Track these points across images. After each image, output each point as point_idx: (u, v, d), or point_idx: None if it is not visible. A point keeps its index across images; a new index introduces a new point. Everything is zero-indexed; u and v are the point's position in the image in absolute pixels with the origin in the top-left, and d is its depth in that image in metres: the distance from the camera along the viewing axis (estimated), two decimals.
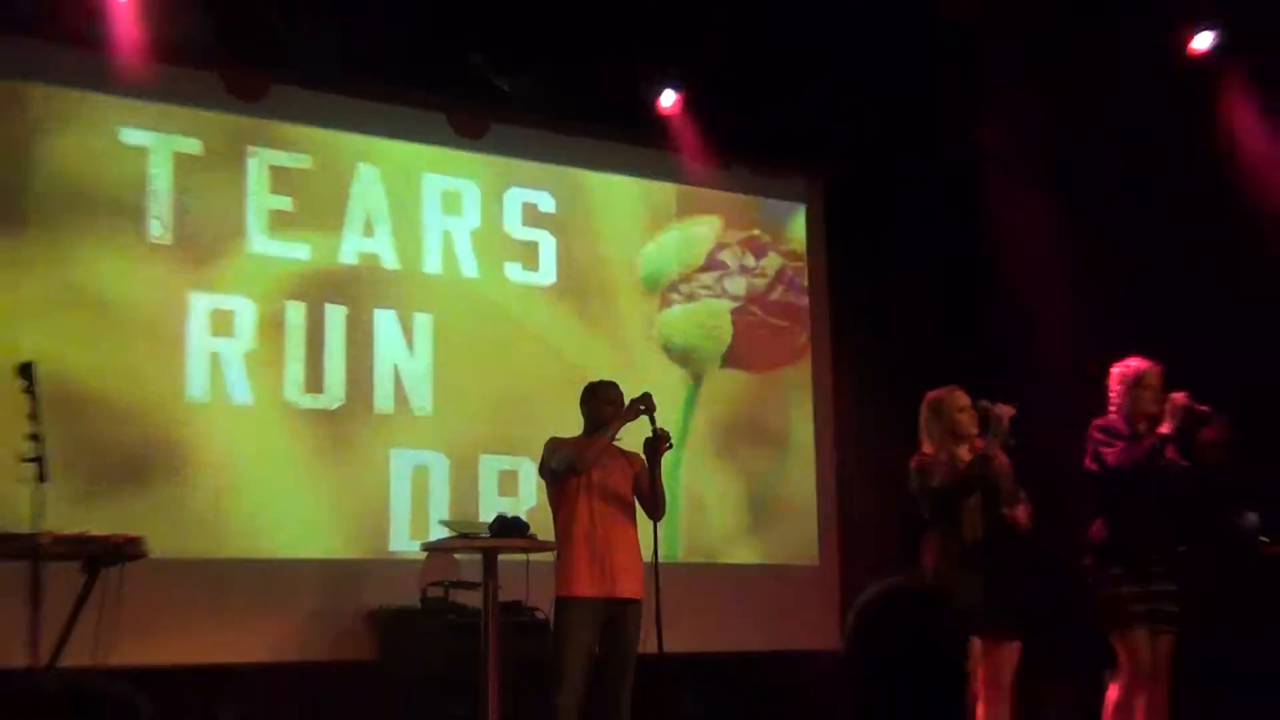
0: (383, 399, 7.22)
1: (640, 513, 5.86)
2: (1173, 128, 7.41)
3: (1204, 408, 5.59)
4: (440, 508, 7.15)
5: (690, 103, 7.68)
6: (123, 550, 4.59)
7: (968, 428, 5.60)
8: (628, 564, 5.75)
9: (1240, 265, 7.12)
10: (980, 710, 5.24)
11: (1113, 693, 5.62)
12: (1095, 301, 7.37)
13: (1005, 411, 5.57)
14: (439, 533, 6.38)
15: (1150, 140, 7.49)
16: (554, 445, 5.81)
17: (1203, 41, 7.38)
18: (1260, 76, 7.27)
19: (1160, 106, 7.47)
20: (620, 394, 5.89)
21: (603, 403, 5.84)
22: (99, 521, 4.93)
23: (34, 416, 4.45)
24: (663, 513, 5.87)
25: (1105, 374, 5.86)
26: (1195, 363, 5.80)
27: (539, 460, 5.89)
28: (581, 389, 6.00)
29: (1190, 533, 5.83)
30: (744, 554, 8.06)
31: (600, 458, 5.68)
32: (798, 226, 8.63)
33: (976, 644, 5.24)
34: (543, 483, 5.98)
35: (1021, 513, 5.65)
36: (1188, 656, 5.65)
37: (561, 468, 5.71)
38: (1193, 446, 5.61)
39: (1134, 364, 5.78)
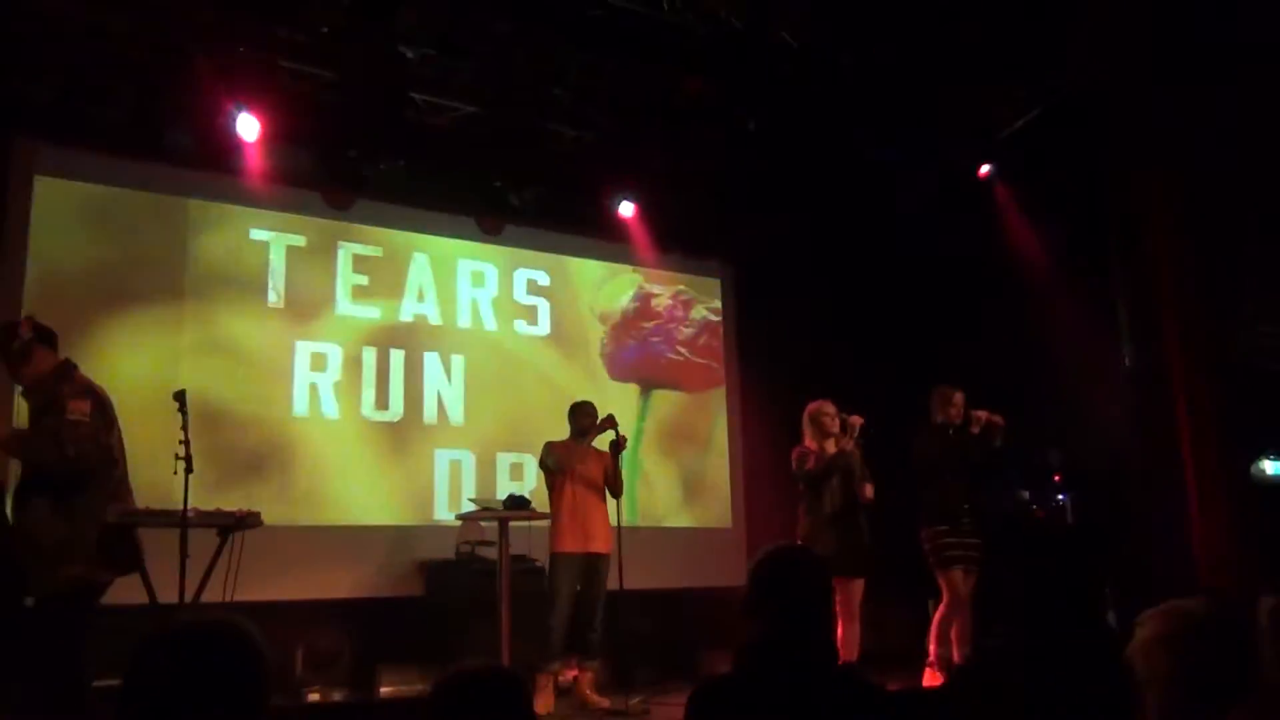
0: (429, 414, 7.15)
1: (608, 492, 5.87)
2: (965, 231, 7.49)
3: (996, 418, 5.67)
4: (469, 489, 7.08)
5: (642, 212, 7.68)
6: (245, 520, 4.53)
7: (831, 428, 5.64)
8: (599, 529, 5.77)
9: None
10: (840, 630, 5.23)
11: (937, 616, 5.63)
12: (912, 344, 7.41)
13: (856, 420, 5.61)
14: (468, 507, 6.34)
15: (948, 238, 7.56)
16: (549, 448, 5.88)
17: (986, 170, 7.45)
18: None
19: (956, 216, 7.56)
20: (594, 410, 5.95)
21: (582, 416, 5.91)
22: (229, 501, 4.85)
23: (184, 428, 4.41)
24: (621, 492, 5.88)
25: (928, 396, 5.92)
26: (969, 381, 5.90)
27: (539, 457, 5.90)
28: (568, 406, 6.01)
29: (985, 500, 5.88)
30: (680, 520, 8.01)
31: (575, 461, 5.77)
32: (716, 293, 8.61)
33: (835, 582, 5.23)
34: (541, 472, 5.98)
35: (869, 490, 5.67)
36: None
37: (553, 467, 5.74)
38: (986, 437, 5.68)
39: (946, 389, 5.84)
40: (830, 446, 5.64)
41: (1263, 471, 6.54)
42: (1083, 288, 6.85)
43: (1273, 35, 5.56)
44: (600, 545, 5.76)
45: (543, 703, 5.41)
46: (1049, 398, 6.68)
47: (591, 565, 5.74)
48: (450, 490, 7.06)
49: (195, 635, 1.79)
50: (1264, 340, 6.39)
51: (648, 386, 8.12)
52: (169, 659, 1.74)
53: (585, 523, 5.74)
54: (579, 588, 5.72)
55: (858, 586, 5.48)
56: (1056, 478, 6.68)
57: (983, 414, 5.66)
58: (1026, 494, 6.83)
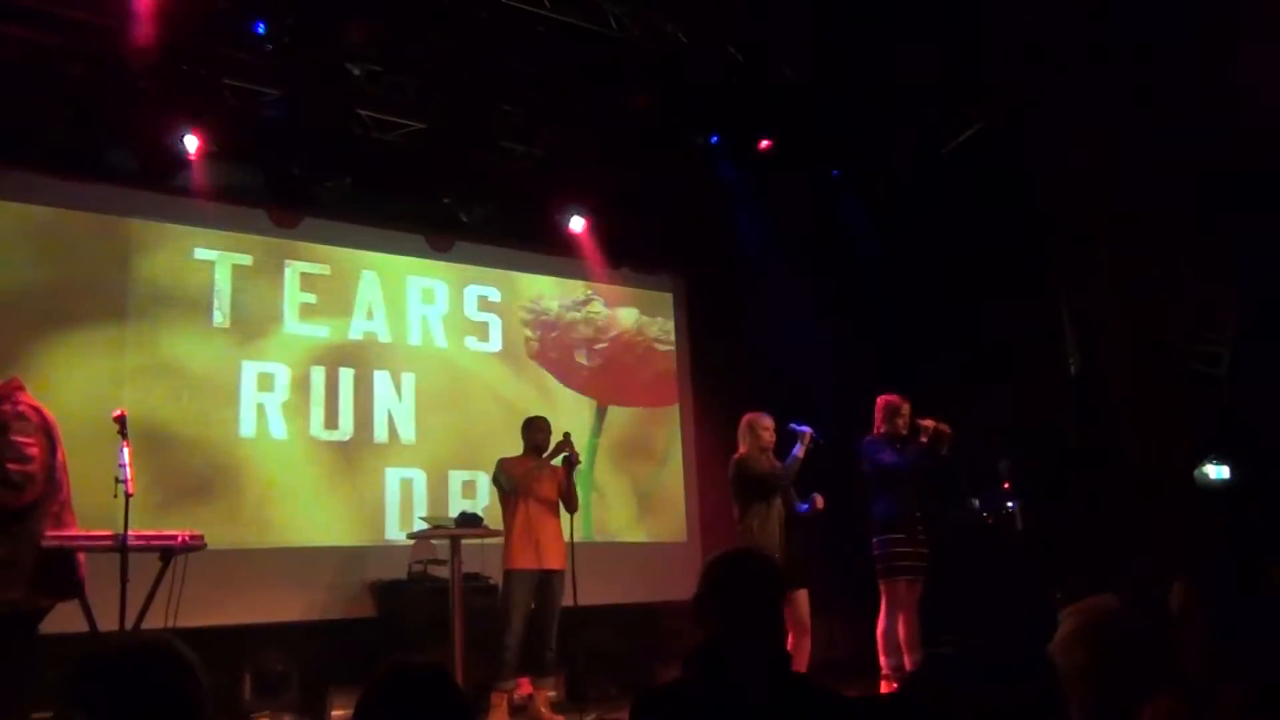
0: (380, 433, 7.07)
1: (562, 508, 5.84)
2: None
3: (944, 427, 5.71)
4: (421, 508, 7.01)
5: (592, 227, 7.69)
6: (188, 544, 4.46)
7: (767, 441, 5.65)
8: (553, 545, 5.73)
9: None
10: (790, 641, 5.23)
11: (880, 629, 5.64)
12: (859, 355, 7.47)
13: (805, 434, 5.64)
14: (420, 526, 6.29)
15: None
16: (501, 466, 5.84)
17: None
18: None
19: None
20: (548, 425, 5.93)
21: (535, 431, 5.90)
22: (174, 524, 4.78)
23: (124, 450, 4.33)
24: (575, 508, 5.85)
25: (871, 404, 5.95)
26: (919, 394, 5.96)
27: (492, 473, 5.87)
28: (522, 422, 5.97)
29: (936, 508, 5.93)
30: (635, 535, 7.99)
31: (529, 478, 5.75)
32: (668, 307, 8.62)
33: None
34: (494, 489, 5.94)
35: (819, 501, 5.69)
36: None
37: (506, 486, 5.73)
38: (934, 446, 5.72)
39: (892, 398, 5.87)
40: (768, 457, 5.65)
41: (1206, 475, 6.66)
42: (1029, 298, 6.96)
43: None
44: (554, 562, 5.72)
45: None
46: (997, 407, 6.76)
47: (545, 582, 5.70)
48: (401, 509, 6.99)
49: (128, 656, 1.77)
50: (1206, 348, 6.52)
51: (602, 402, 8.10)
52: (102, 682, 1.73)
53: (539, 539, 5.70)
54: (533, 605, 5.69)
55: (802, 597, 5.48)
56: (1005, 485, 6.75)
57: (930, 423, 5.70)
58: (976, 502, 6.91)
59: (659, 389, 8.41)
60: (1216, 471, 6.73)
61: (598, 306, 8.26)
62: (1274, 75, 5.37)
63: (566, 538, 5.76)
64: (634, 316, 8.42)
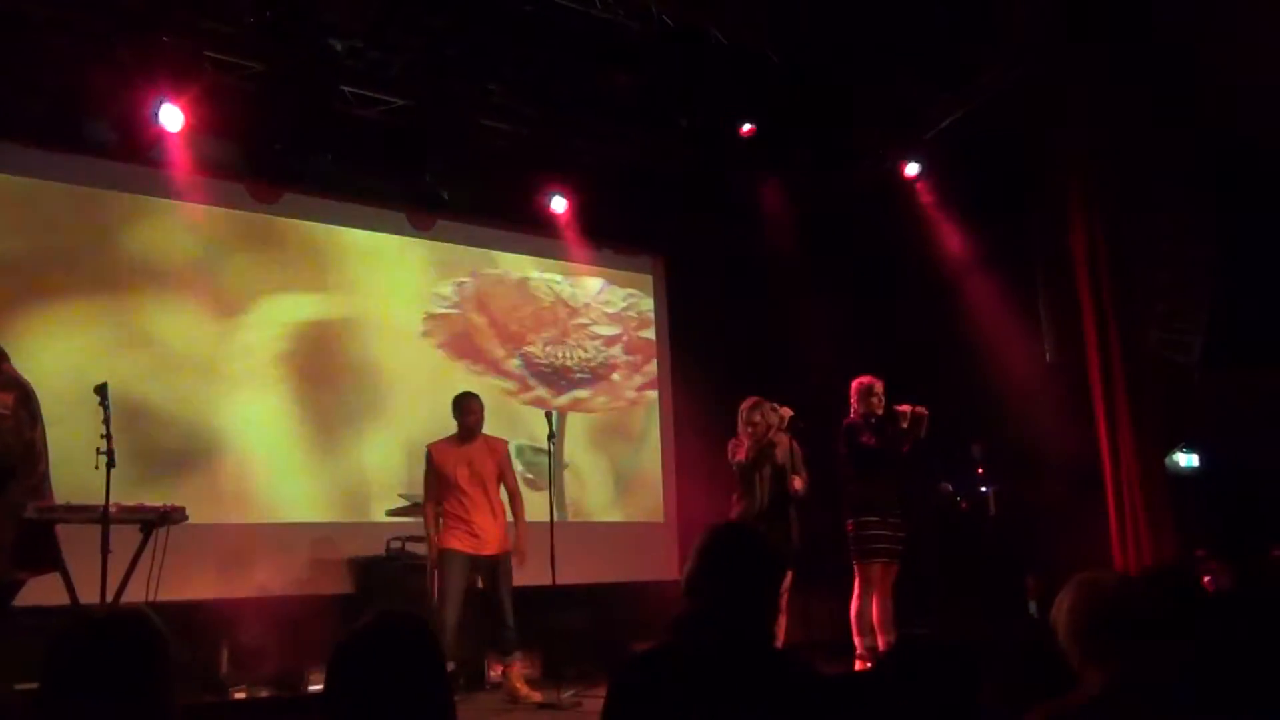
0: (360, 409, 7.08)
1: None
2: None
3: (921, 409, 5.77)
4: (400, 485, 7.03)
5: (574, 208, 7.69)
6: (169, 516, 4.48)
7: (774, 421, 5.70)
8: (490, 530, 5.62)
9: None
10: None
11: (853, 610, 5.71)
12: (841, 339, 7.54)
13: (786, 412, 5.70)
14: (399, 503, 6.31)
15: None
16: (428, 464, 5.70)
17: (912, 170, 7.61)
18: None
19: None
20: (479, 405, 5.77)
21: (466, 413, 5.72)
22: (153, 498, 4.79)
23: (106, 421, 4.34)
24: (518, 493, 5.84)
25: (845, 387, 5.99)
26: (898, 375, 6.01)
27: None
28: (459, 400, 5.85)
29: (911, 491, 6.00)
30: (612, 515, 8.05)
31: (457, 463, 5.62)
32: (649, 288, 8.65)
33: None
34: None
35: (799, 483, 5.75)
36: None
37: (431, 482, 5.68)
38: (913, 429, 5.77)
39: (865, 379, 5.91)
40: (756, 440, 5.72)
41: (1176, 463, 6.77)
42: (1006, 286, 7.05)
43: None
44: (492, 547, 5.61)
45: None
46: (973, 392, 6.85)
47: (487, 567, 5.62)
48: (381, 486, 7.01)
49: (101, 628, 1.84)
50: (1176, 336, 6.62)
51: (580, 382, 8.13)
52: (79, 652, 1.78)
53: (471, 525, 5.57)
54: (482, 589, 5.62)
55: (786, 578, 5.56)
56: (980, 470, 6.84)
57: (908, 407, 5.76)
58: (950, 486, 7.00)
59: (638, 368, 8.45)
60: (1186, 459, 6.85)
61: (578, 286, 8.28)
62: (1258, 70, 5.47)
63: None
64: (615, 296, 8.45)
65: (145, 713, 1.78)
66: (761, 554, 2.31)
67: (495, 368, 7.73)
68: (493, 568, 5.61)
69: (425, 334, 7.50)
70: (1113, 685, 2.07)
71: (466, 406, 5.72)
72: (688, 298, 8.58)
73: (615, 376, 8.32)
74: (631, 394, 8.38)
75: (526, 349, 7.93)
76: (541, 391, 7.78)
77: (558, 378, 8.02)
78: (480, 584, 5.65)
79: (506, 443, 5.85)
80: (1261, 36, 5.50)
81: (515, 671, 5.69)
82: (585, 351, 8.20)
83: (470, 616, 5.62)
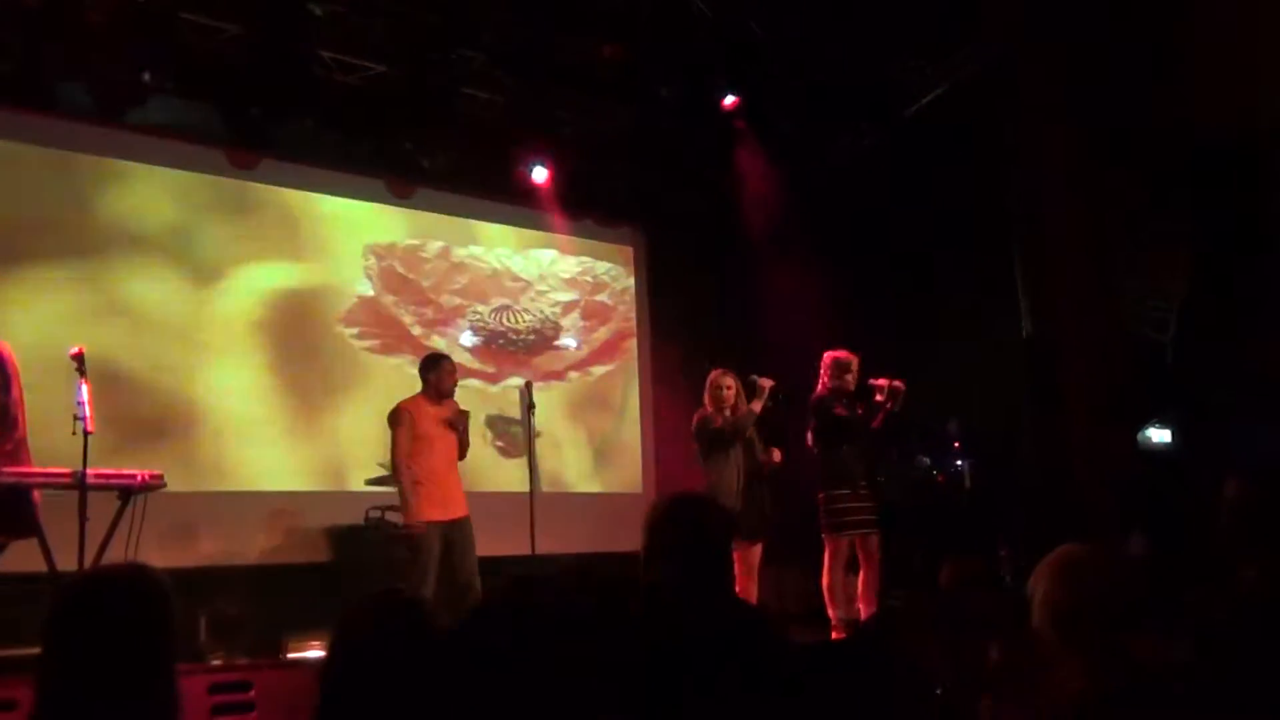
0: (338, 378, 7.07)
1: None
2: None
3: (898, 384, 5.77)
4: (379, 454, 7.00)
5: (555, 178, 7.65)
6: (147, 483, 4.46)
7: (727, 400, 5.69)
8: (457, 493, 5.52)
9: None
10: (738, 586, 5.31)
11: (825, 582, 5.73)
12: (820, 312, 7.57)
13: (766, 383, 5.70)
14: (379, 473, 6.30)
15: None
16: (396, 426, 5.45)
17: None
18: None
19: None
20: (452, 366, 5.64)
21: (445, 376, 5.56)
22: (130, 464, 4.76)
23: (82, 388, 4.30)
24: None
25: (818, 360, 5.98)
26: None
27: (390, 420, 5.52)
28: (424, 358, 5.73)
29: (888, 465, 6.03)
30: (591, 485, 8.08)
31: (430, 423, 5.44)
32: (629, 260, 8.65)
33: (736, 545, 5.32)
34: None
35: (777, 454, 5.77)
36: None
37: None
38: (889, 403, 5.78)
39: (840, 354, 5.89)
40: (725, 413, 5.72)
41: (1149, 439, 6.85)
42: (983, 262, 7.07)
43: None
44: (461, 510, 5.52)
45: None
46: (949, 366, 6.89)
47: (458, 531, 5.45)
48: (360, 456, 6.99)
49: (103, 583, 1.86)
50: (1151, 313, 6.69)
51: (558, 353, 8.12)
52: (78, 608, 1.80)
53: (445, 488, 5.45)
54: (453, 557, 5.42)
55: (757, 550, 5.60)
56: (956, 445, 6.90)
57: (884, 381, 5.75)
58: (927, 460, 7.06)
59: (618, 344, 8.46)
60: (1159, 435, 6.93)
61: (558, 257, 8.26)
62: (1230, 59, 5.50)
63: (525, 487, 5.72)
64: (594, 267, 8.43)
65: (148, 665, 1.81)
66: (704, 520, 2.34)
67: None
68: (463, 531, 5.45)
69: (404, 302, 7.46)
70: (1097, 678, 2.01)
71: (447, 369, 5.56)
72: (668, 269, 8.59)
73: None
74: (592, 359, 8.34)
75: (505, 316, 7.88)
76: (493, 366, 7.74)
77: (512, 345, 7.96)
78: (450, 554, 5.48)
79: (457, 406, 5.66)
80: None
81: None
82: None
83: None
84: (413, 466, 5.38)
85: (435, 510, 5.39)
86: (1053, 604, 2.09)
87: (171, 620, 1.86)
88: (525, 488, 5.80)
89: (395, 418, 5.44)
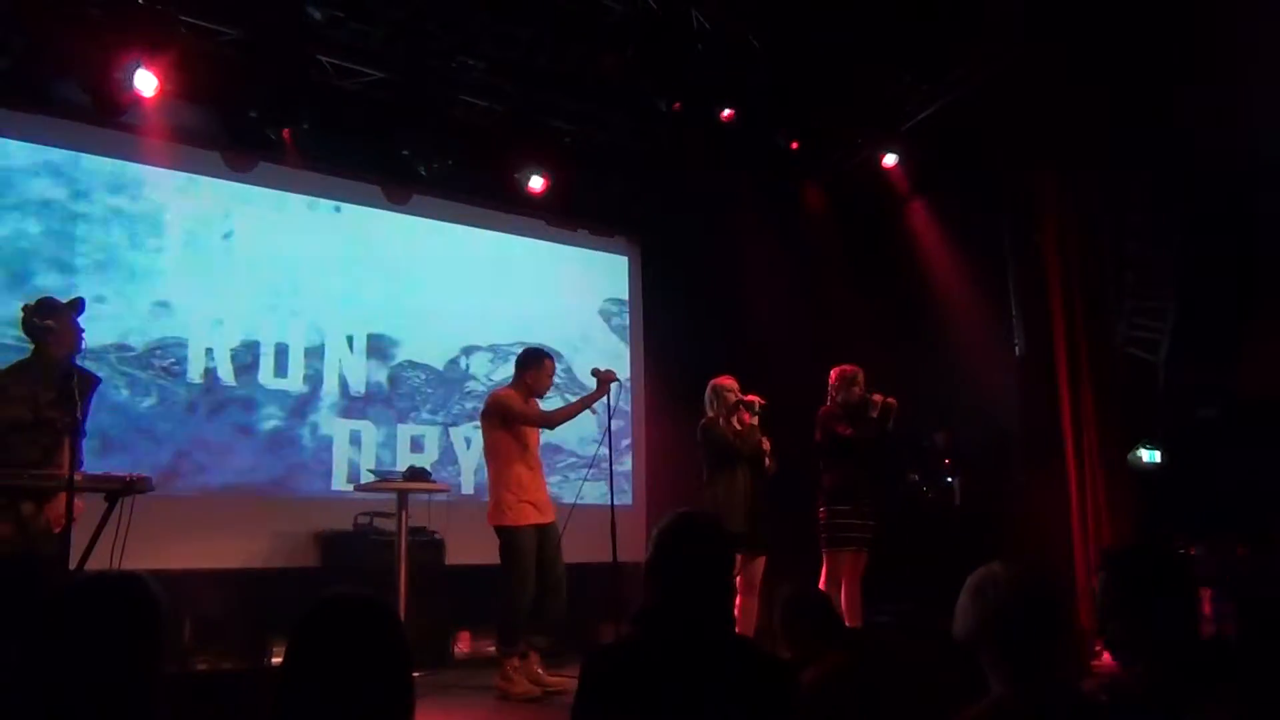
0: (329, 384, 7.04)
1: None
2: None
3: (891, 400, 5.77)
4: (369, 460, 7.00)
5: (551, 187, 7.63)
6: (134, 485, 4.41)
7: (730, 399, 5.66)
8: (545, 497, 5.56)
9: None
10: (739, 603, 5.29)
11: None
12: (813, 327, 7.55)
13: (755, 399, 5.68)
14: (368, 478, 6.28)
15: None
16: (508, 401, 5.39)
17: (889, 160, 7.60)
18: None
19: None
20: (554, 364, 5.66)
21: (545, 375, 5.55)
22: (118, 467, 4.73)
23: (73, 393, 4.28)
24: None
25: (823, 374, 5.98)
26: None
27: (490, 410, 5.46)
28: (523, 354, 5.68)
29: (881, 484, 6.01)
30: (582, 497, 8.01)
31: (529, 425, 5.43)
32: (623, 271, 8.63)
33: (738, 559, 5.29)
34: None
35: (774, 466, 5.74)
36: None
37: (527, 423, 5.41)
38: (883, 420, 5.77)
39: (847, 368, 5.90)
40: (734, 422, 5.68)
41: (1139, 459, 6.84)
42: (979, 280, 7.08)
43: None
44: (551, 514, 5.53)
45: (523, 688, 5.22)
46: (940, 384, 6.89)
47: (547, 536, 5.45)
48: (349, 461, 6.97)
49: (98, 591, 1.87)
50: (1140, 333, 6.69)
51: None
52: (70, 614, 1.79)
53: (539, 493, 5.44)
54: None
55: (760, 563, 5.56)
56: (945, 461, 6.88)
57: (879, 397, 5.76)
58: (916, 476, 7.04)
59: (610, 351, 8.43)
60: (1149, 455, 6.91)
61: (551, 265, 8.24)
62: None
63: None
64: (589, 277, 8.42)
65: (137, 672, 1.80)
66: (715, 540, 2.32)
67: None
68: (551, 537, 5.46)
69: (398, 308, 7.43)
70: (1008, 693, 2.02)
71: (548, 369, 5.53)
72: (663, 280, 8.58)
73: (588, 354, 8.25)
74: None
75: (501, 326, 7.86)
76: None
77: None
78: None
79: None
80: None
81: (535, 656, 5.44)
82: (561, 328, 8.11)
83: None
84: (509, 465, 5.31)
85: (528, 514, 5.34)
86: (964, 619, 2.11)
87: (162, 631, 1.86)
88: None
89: (501, 406, 5.33)
